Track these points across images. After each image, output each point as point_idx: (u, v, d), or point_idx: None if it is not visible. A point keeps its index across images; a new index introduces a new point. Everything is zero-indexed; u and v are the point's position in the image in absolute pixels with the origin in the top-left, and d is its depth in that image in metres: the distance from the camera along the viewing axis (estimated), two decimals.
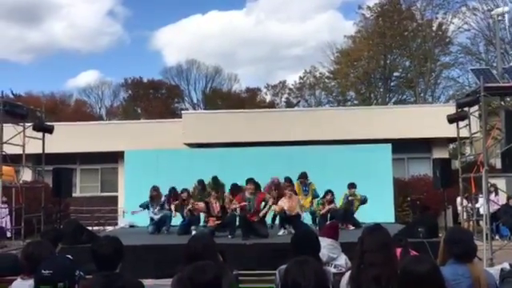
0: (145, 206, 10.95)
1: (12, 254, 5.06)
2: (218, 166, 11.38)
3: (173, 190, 11.14)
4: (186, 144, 17.18)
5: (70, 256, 3.27)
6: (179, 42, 57.98)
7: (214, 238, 5.57)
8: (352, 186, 11.07)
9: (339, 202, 11.08)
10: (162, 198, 10.87)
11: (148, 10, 60.77)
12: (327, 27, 54.84)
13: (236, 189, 10.36)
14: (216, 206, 9.91)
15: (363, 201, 11.08)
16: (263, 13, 59.96)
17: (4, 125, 10.88)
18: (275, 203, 10.02)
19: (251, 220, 9.35)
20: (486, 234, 9.11)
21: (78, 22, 58.50)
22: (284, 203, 9.91)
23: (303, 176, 11.14)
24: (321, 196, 10.95)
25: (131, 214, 10.94)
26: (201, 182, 11.33)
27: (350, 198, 11.01)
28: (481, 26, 29.12)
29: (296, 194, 10.31)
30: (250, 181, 9.82)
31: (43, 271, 2.42)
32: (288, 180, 10.82)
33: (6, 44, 58.09)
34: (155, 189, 10.86)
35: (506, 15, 16.22)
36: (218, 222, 9.73)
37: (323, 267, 3.10)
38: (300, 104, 41.82)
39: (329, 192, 10.85)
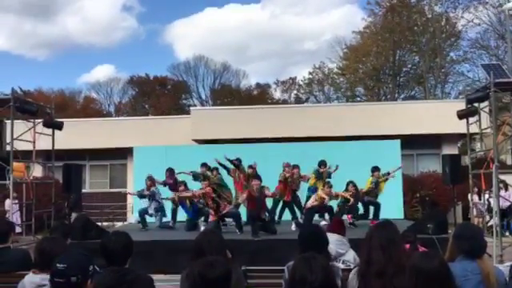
0: (141, 196, 11.20)
1: (23, 249, 5.10)
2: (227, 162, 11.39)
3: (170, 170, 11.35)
4: (194, 140, 17.23)
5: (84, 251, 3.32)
6: (193, 36, 57.53)
7: (223, 233, 5.59)
8: (376, 169, 10.77)
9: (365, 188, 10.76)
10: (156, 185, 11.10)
11: (164, 3, 60.18)
12: (344, 22, 54.29)
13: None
14: (226, 206, 9.90)
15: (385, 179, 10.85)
16: (279, 7, 59.61)
17: (15, 121, 10.99)
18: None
19: (259, 216, 9.37)
20: (496, 231, 9.05)
21: (92, 17, 58.41)
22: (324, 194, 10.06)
23: (323, 164, 11.05)
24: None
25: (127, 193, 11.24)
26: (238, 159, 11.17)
27: (379, 180, 10.70)
28: (492, 20, 28.84)
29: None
30: (256, 177, 9.85)
31: (58, 265, 2.47)
32: (296, 167, 10.98)
33: (20, 39, 58.42)
34: (149, 178, 11.06)
35: None
36: (215, 218, 9.80)
37: (331, 263, 3.10)
38: (309, 100, 41.68)
39: (350, 183, 10.52)
